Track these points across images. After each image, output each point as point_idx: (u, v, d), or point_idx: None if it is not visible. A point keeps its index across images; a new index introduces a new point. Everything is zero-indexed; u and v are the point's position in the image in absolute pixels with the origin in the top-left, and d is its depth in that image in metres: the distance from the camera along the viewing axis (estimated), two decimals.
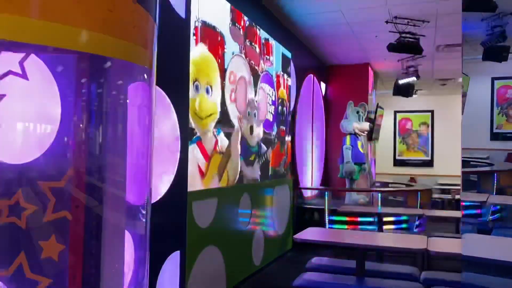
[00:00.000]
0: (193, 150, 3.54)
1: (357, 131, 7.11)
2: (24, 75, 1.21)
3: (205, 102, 3.79)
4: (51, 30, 0.71)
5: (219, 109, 4.02)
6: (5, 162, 1.18)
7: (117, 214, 1.34)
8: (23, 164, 1.19)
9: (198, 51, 3.65)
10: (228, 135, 4.20)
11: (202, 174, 3.72)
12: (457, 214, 5.93)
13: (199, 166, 3.66)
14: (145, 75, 0.97)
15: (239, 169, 4.44)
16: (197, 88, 3.64)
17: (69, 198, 1.27)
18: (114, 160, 1.30)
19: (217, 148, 3.97)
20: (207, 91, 3.83)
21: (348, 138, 7.08)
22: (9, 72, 1.19)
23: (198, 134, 3.63)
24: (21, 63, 1.22)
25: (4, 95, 1.18)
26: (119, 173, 1.31)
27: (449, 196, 9.22)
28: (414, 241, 3.51)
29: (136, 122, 1.08)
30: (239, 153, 4.45)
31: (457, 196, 7.87)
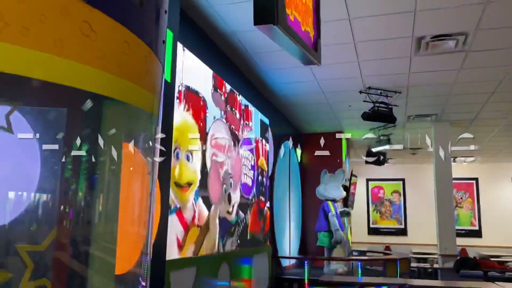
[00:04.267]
0: (172, 221, 3.39)
1: (337, 197, 7.09)
2: (9, 129, 1.12)
3: (186, 169, 3.71)
4: (66, 67, 0.65)
5: (199, 177, 3.93)
6: None
7: (105, 283, 1.20)
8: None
9: (179, 117, 3.63)
10: (206, 203, 4.07)
11: (180, 245, 3.55)
12: (438, 283, 5.82)
13: (177, 237, 3.50)
14: (153, 122, 0.91)
15: (217, 243, 4.28)
16: (177, 155, 3.56)
17: (50, 264, 1.14)
18: (107, 224, 1.18)
19: (195, 221, 3.83)
20: (187, 158, 3.76)
21: (331, 204, 7.02)
22: None
23: (177, 204, 3.50)
24: (7, 116, 1.15)
25: None
26: (111, 239, 1.19)
27: (425, 265, 9.12)
28: None
29: (139, 177, 0.99)
30: (217, 230, 4.31)
31: (435, 265, 7.79)
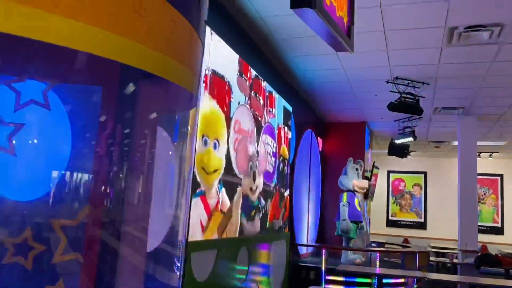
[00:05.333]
0: (196, 204, 3.42)
1: (356, 188, 7.02)
2: (46, 105, 1.13)
3: (213, 157, 3.74)
4: (117, 43, 0.65)
5: (224, 165, 3.95)
6: (12, 198, 1.09)
7: (135, 259, 1.22)
8: (33, 199, 1.09)
9: (207, 105, 3.64)
10: (230, 193, 4.10)
11: (203, 229, 3.58)
12: (457, 278, 5.75)
13: (200, 221, 3.53)
14: (193, 101, 0.91)
15: (238, 228, 4.31)
16: (205, 142, 3.59)
17: (82, 238, 1.16)
18: (138, 201, 1.19)
19: (219, 206, 3.86)
20: (215, 146, 3.78)
21: (345, 195, 6.97)
22: (31, 101, 1.11)
23: (202, 188, 3.54)
24: (44, 92, 1.16)
25: (23, 124, 1.10)
26: (143, 215, 1.20)
27: (444, 260, 9.01)
28: None
29: (183, 151, 0.99)
30: (240, 212, 4.34)
31: (455, 260, 7.69)
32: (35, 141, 1.14)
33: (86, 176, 1.15)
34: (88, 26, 0.62)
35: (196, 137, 3.30)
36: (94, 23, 0.62)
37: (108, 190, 1.15)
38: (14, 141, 1.06)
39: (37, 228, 1.11)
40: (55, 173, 1.13)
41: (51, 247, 1.10)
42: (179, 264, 1.09)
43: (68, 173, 1.13)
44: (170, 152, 1.01)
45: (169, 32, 0.72)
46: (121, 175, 1.13)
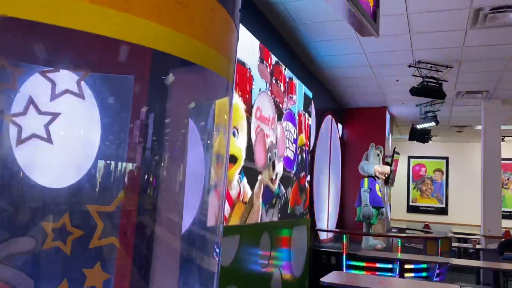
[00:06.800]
0: (209, 197, 3.44)
1: (377, 174, 6.97)
2: (80, 94, 1.16)
3: (232, 146, 3.75)
4: (163, 33, 0.67)
5: (244, 156, 3.95)
6: (50, 185, 1.12)
7: (171, 245, 1.25)
8: (70, 185, 1.13)
9: None
10: (251, 183, 4.12)
11: (225, 219, 3.63)
12: (481, 264, 5.70)
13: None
14: (229, 90, 0.92)
15: (259, 217, 4.34)
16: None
17: (118, 223, 1.19)
18: (173, 187, 1.22)
19: (241, 197, 3.89)
20: (234, 134, 3.80)
21: (366, 180, 6.93)
22: (66, 91, 1.14)
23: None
24: (78, 82, 1.18)
25: (59, 114, 1.13)
26: (177, 200, 1.22)
27: (467, 245, 8.93)
28: None
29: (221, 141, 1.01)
30: (261, 201, 4.37)
31: (478, 246, 7.61)
32: (71, 129, 1.17)
33: (120, 164, 1.18)
34: (133, 17, 0.63)
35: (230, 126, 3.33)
36: (139, 14, 0.63)
37: (143, 177, 1.18)
38: (51, 130, 1.09)
39: (75, 214, 1.14)
40: (90, 161, 1.16)
41: (88, 232, 1.13)
42: (218, 250, 1.12)
43: (102, 160, 1.16)
44: (206, 138, 1.02)
45: (208, 22, 0.73)
46: (156, 163, 1.16)
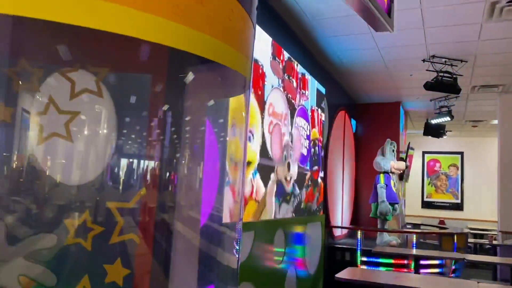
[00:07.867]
0: (227, 193, 3.45)
1: (393, 170, 6.92)
2: (99, 93, 1.18)
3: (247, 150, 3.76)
4: (184, 32, 0.68)
5: (258, 160, 3.96)
6: (70, 182, 1.14)
7: (190, 241, 1.26)
8: (90, 183, 1.15)
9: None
10: (265, 179, 4.12)
11: None
12: (498, 260, 5.64)
13: (230, 209, 3.58)
14: (246, 86, 0.93)
15: (273, 214, 4.35)
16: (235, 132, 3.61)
17: (137, 220, 1.21)
18: (191, 183, 1.23)
19: (253, 195, 3.90)
20: (249, 138, 3.80)
21: (382, 176, 6.89)
22: (85, 90, 1.16)
23: (229, 180, 3.56)
24: (97, 81, 1.20)
25: (78, 112, 1.15)
26: (195, 198, 1.24)
27: (483, 241, 8.83)
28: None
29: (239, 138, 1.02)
30: (274, 199, 4.37)
31: (494, 242, 7.52)
32: (90, 128, 1.19)
33: (140, 161, 1.20)
34: (153, 16, 0.64)
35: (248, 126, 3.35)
36: (158, 13, 0.64)
37: (162, 174, 1.19)
38: (71, 129, 1.11)
39: (95, 210, 1.16)
40: (109, 159, 1.18)
41: (109, 228, 1.15)
42: (237, 247, 1.13)
43: (122, 158, 1.17)
44: (225, 135, 1.03)
45: (227, 20, 0.74)
46: (175, 160, 1.17)
